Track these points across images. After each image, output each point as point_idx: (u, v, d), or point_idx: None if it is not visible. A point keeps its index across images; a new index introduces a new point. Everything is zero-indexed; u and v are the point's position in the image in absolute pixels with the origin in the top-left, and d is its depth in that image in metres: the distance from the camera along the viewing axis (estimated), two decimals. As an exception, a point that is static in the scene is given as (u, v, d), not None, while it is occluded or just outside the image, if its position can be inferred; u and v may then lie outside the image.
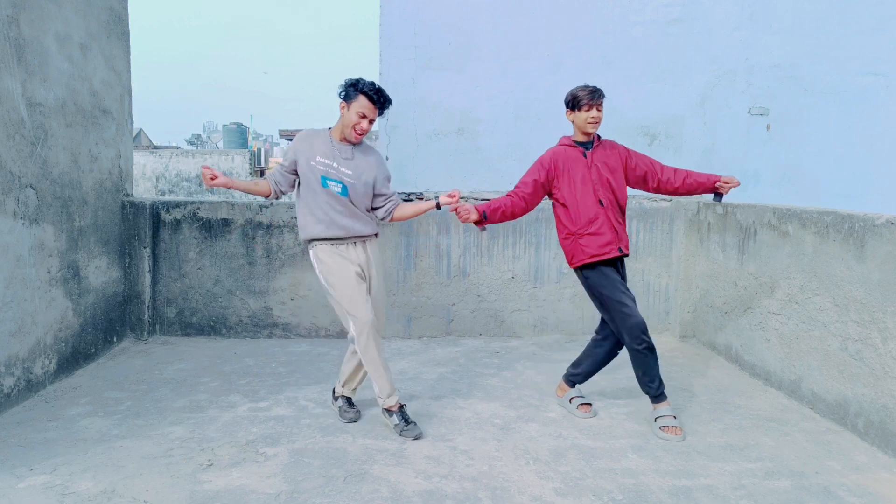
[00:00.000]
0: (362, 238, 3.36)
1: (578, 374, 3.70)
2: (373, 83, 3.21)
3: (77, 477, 2.78)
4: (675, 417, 3.38)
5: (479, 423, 3.47)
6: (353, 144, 3.32)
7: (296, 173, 3.35)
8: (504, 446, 3.19)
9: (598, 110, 3.39)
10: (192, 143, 53.50)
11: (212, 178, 3.11)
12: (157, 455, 3.01)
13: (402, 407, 3.34)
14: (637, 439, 3.29)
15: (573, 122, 3.46)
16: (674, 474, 2.92)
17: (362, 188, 3.30)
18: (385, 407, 3.34)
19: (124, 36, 4.98)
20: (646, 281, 5.33)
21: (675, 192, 3.56)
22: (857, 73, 5.53)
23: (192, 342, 4.95)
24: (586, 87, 3.41)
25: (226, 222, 5.06)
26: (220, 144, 37.25)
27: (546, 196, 3.53)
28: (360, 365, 3.43)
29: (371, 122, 3.25)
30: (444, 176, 5.31)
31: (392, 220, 3.46)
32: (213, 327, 5.09)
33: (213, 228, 5.05)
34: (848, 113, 5.54)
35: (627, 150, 3.57)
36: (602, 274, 3.37)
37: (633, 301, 3.36)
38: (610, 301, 3.33)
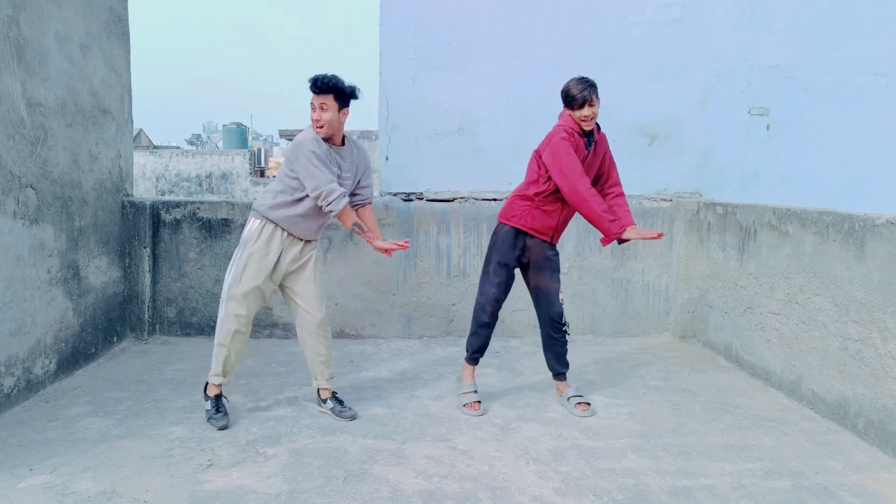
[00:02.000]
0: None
1: (555, 367, 3.77)
2: (312, 77, 3.22)
3: (77, 477, 2.78)
4: (475, 393, 3.65)
5: (479, 423, 3.47)
6: (342, 145, 3.35)
7: None
8: (504, 446, 3.19)
9: (591, 106, 3.38)
10: (192, 143, 53.46)
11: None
12: (157, 455, 3.01)
13: (218, 396, 3.43)
14: (637, 439, 3.29)
15: (570, 116, 3.45)
16: (674, 474, 2.92)
17: (352, 187, 3.42)
18: (209, 385, 3.43)
19: (124, 36, 4.98)
20: (646, 281, 5.32)
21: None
22: (857, 73, 5.52)
23: (192, 342, 4.95)
24: (580, 82, 3.39)
25: (226, 222, 5.06)
26: (220, 144, 37.23)
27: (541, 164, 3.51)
28: (311, 353, 3.50)
29: (322, 107, 3.18)
30: (444, 176, 5.30)
31: (342, 214, 3.19)
32: (213, 327, 5.05)
33: (213, 228, 5.05)
34: (848, 113, 5.52)
35: (608, 147, 3.63)
36: (509, 240, 3.57)
37: (501, 285, 3.61)
38: (487, 264, 3.65)
